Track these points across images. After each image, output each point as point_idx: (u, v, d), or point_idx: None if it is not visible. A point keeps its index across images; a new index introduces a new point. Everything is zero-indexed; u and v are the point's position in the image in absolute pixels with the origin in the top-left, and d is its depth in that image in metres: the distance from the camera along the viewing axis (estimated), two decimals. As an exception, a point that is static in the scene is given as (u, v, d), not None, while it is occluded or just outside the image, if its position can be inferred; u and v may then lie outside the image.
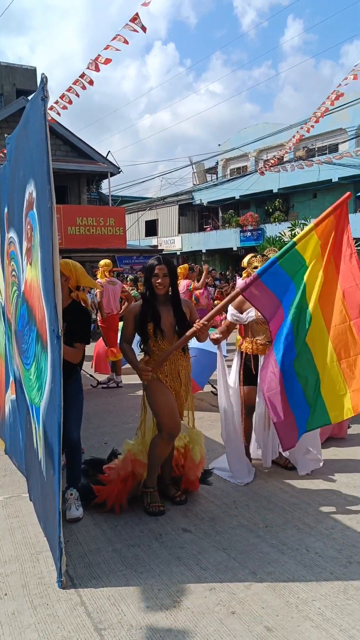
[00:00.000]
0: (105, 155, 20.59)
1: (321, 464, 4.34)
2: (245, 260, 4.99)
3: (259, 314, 4.21)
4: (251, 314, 4.26)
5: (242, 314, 4.31)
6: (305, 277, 3.56)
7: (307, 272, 3.56)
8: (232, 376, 4.44)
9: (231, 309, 4.35)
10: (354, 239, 5.78)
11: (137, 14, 6.32)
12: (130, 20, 6.38)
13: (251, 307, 4.25)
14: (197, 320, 3.66)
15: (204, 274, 9.81)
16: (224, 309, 4.15)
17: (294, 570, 2.93)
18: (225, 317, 4.51)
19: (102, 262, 8.18)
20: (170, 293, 3.67)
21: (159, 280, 3.57)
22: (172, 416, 3.63)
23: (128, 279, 9.78)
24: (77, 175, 20.10)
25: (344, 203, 3.60)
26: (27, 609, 2.67)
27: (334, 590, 2.75)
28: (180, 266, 10.23)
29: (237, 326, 4.53)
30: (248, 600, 2.68)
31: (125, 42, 6.57)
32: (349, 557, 3.05)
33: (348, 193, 3.68)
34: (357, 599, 2.67)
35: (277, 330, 3.59)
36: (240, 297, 4.36)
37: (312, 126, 8.76)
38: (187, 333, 3.59)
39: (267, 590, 2.76)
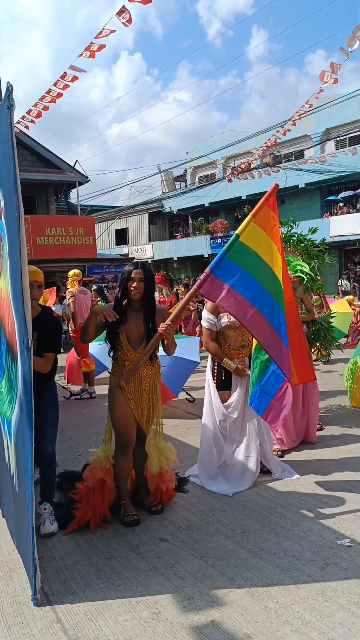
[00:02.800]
0: (72, 165, 20.51)
1: (296, 476, 4.27)
2: None
3: (232, 318, 4.22)
4: (224, 319, 4.26)
5: (217, 318, 4.30)
6: (261, 257, 3.70)
7: (260, 254, 3.70)
8: (205, 381, 4.43)
9: (206, 313, 4.34)
10: (325, 242, 5.97)
11: (124, 7, 6.27)
12: (117, 14, 6.35)
13: (225, 312, 4.25)
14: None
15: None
16: (186, 306, 4.10)
17: (272, 574, 2.93)
18: (201, 330, 4.49)
19: (71, 272, 8.16)
20: (144, 300, 3.60)
21: (135, 284, 3.49)
22: (124, 428, 3.61)
23: (92, 289, 9.71)
24: (45, 186, 19.95)
25: (273, 193, 3.86)
26: (1, 629, 2.59)
27: (312, 593, 2.75)
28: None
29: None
30: (227, 608, 2.66)
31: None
32: (326, 558, 3.06)
33: (275, 184, 3.97)
34: (335, 601, 2.67)
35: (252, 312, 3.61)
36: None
37: (275, 142, 9.14)
38: (153, 339, 3.51)
39: (246, 597, 2.74)
